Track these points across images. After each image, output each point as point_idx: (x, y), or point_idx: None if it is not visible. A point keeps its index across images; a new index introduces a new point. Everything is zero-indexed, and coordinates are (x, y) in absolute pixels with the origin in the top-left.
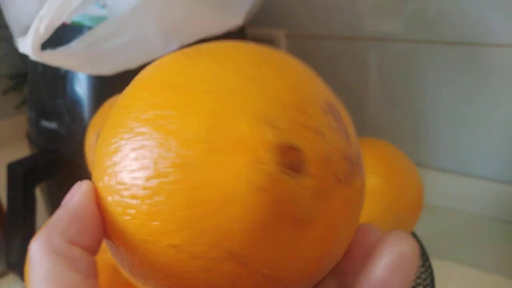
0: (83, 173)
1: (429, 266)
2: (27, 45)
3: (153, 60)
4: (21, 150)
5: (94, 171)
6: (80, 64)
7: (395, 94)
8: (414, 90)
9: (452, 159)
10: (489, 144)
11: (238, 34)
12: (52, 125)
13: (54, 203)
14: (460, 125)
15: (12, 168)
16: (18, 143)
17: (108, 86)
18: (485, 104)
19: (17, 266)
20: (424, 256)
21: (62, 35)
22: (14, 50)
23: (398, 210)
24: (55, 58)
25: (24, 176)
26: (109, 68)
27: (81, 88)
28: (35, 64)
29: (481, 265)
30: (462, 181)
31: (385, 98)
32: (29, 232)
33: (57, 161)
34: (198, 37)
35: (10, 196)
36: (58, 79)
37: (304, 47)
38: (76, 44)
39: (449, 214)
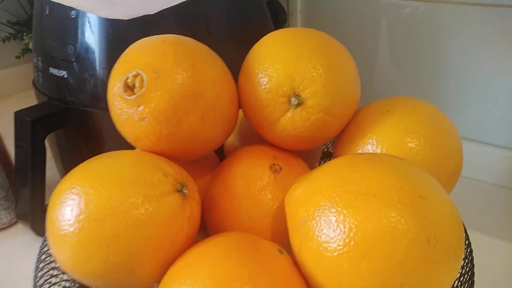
0: (93, 124)
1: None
2: None
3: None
4: (25, 100)
5: None
6: (95, 6)
7: (407, 56)
8: (427, 53)
9: (466, 126)
10: (505, 111)
11: None
12: (61, 73)
13: (62, 155)
14: (474, 91)
15: (20, 118)
16: (21, 93)
17: (123, 32)
18: (506, 67)
19: (26, 216)
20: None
21: None
22: None
23: (439, 174)
24: None
25: (32, 126)
26: (126, 12)
27: (94, 33)
28: (41, 5)
29: (495, 232)
30: (476, 148)
31: (397, 60)
32: (38, 182)
33: (66, 111)
34: None
35: (17, 146)
36: (68, 22)
37: (318, 2)
38: None
39: (463, 182)
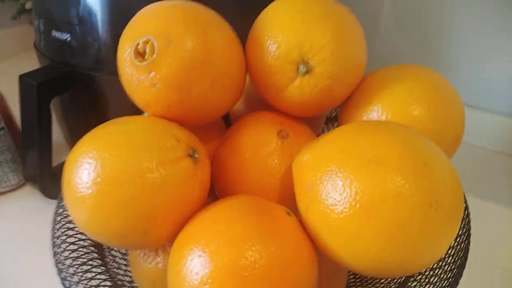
0: (97, 88)
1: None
2: None
3: None
4: (25, 62)
5: None
6: None
7: (410, 21)
8: (429, 18)
9: (467, 93)
10: (506, 79)
11: None
12: (64, 36)
13: (67, 118)
14: (477, 58)
15: (25, 80)
16: (20, 54)
17: None
18: (506, 35)
19: (34, 177)
20: None
21: None
22: None
23: (442, 141)
24: None
25: (38, 89)
26: None
27: None
28: None
29: (492, 196)
30: (477, 115)
31: (399, 24)
32: (45, 145)
33: (70, 75)
34: None
35: (23, 109)
36: None
37: None
38: None
39: (462, 148)
